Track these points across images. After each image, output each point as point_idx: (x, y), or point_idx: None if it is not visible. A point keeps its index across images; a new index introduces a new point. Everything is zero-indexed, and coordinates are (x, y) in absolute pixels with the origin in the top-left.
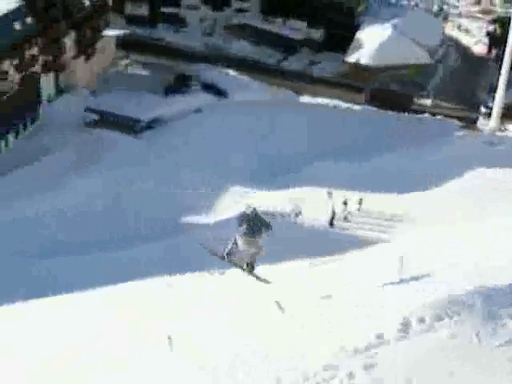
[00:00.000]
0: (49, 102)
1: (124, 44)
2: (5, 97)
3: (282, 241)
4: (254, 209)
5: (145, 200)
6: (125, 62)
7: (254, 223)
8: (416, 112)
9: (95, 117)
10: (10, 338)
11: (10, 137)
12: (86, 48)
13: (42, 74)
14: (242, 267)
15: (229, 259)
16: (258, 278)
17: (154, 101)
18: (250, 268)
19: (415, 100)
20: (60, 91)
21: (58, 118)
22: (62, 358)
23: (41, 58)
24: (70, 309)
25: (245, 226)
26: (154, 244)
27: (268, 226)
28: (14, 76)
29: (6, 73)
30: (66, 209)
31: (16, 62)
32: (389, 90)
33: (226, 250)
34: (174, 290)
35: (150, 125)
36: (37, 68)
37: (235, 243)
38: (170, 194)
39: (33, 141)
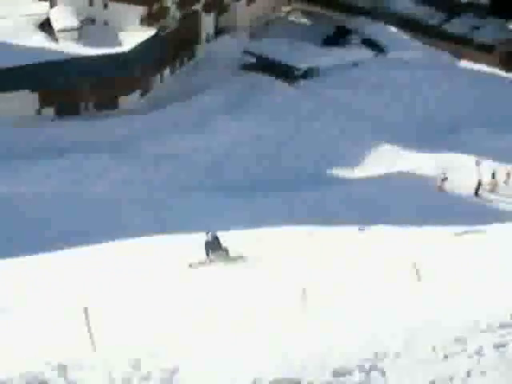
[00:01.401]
0: (207, 41)
1: None
2: (165, 33)
3: (424, 206)
4: (216, 237)
5: (293, 149)
6: (286, 8)
7: (211, 246)
8: None
9: (252, 60)
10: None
11: (167, 72)
12: None
13: (202, 14)
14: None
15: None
16: (235, 257)
17: (311, 50)
18: (226, 252)
19: None
20: (219, 32)
21: (215, 59)
22: None
23: None
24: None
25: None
26: (296, 194)
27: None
28: (176, 13)
29: (168, 10)
30: (215, 148)
31: None
32: None
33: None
34: (314, 239)
35: (306, 74)
36: (198, 7)
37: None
38: (319, 145)
39: (188, 78)
